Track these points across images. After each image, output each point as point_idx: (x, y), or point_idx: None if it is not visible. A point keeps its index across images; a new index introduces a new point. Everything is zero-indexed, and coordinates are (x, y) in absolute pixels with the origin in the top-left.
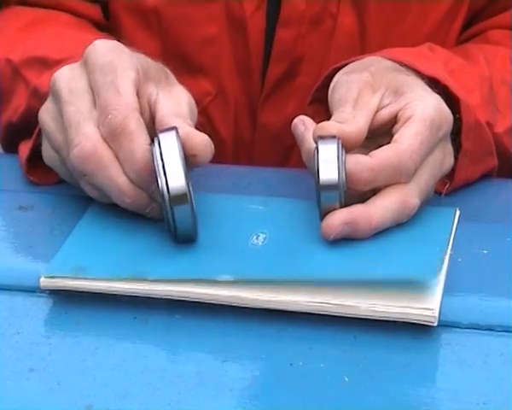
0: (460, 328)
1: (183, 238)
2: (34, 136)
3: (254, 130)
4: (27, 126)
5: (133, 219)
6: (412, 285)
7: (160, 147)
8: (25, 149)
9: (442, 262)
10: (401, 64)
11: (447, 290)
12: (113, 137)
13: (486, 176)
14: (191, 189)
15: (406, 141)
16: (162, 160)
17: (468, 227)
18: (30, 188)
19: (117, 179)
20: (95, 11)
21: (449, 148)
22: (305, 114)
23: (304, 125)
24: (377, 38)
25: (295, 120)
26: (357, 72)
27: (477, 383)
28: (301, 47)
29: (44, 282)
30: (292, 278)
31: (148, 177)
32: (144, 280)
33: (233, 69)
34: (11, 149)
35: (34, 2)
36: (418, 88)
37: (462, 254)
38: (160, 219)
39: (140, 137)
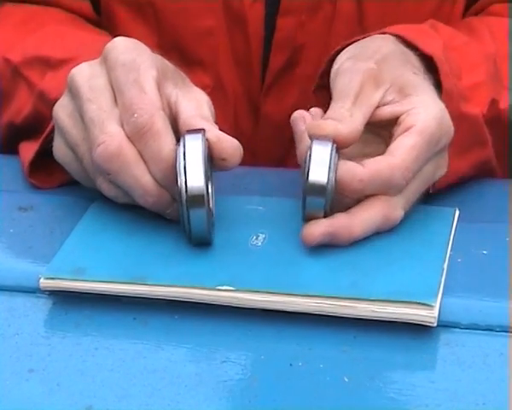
0: (459, 328)
1: (197, 241)
2: (41, 139)
3: (255, 122)
4: (31, 129)
5: (133, 219)
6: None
7: (184, 147)
8: (27, 151)
9: (441, 277)
10: (403, 39)
11: (447, 290)
12: (138, 136)
13: (482, 174)
14: (213, 193)
15: (401, 155)
16: (184, 160)
17: (467, 227)
18: (30, 188)
19: (141, 179)
20: (84, 6)
21: (444, 158)
22: (308, 103)
23: (305, 124)
24: (376, 22)
25: (295, 115)
26: (362, 59)
27: (476, 384)
28: (301, 35)
29: (44, 283)
30: (291, 291)
31: (174, 176)
32: (143, 284)
33: (231, 61)
34: (10, 149)
35: None
36: (424, 92)
37: (461, 255)
38: (164, 221)
39: (167, 137)
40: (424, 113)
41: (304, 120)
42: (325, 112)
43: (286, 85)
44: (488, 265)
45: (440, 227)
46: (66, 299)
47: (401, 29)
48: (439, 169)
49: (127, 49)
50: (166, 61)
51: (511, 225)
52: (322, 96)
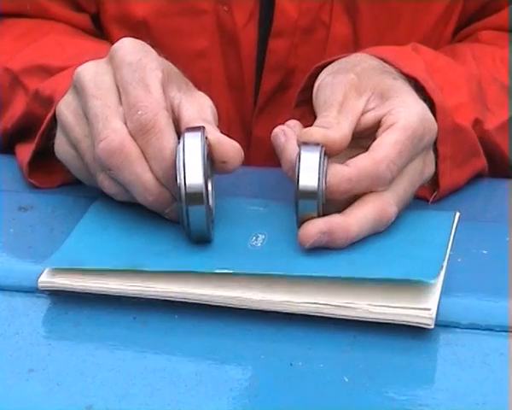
0: (459, 328)
1: (197, 238)
2: (37, 139)
3: (248, 144)
4: (22, 132)
5: (134, 218)
6: (412, 284)
7: (183, 144)
8: (24, 152)
9: (443, 263)
10: (385, 61)
11: (446, 290)
12: (142, 133)
13: (481, 176)
14: (213, 191)
15: (383, 150)
16: (184, 157)
17: (467, 227)
18: (30, 188)
19: (142, 176)
20: (84, 20)
21: (430, 156)
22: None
23: (284, 136)
24: (371, 45)
25: (275, 130)
26: (342, 72)
27: (476, 383)
28: (294, 58)
29: (42, 283)
30: (290, 273)
31: (174, 175)
32: (141, 271)
33: (225, 83)
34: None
35: (25, 13)
36: (404, 94)
37: (461, 255)
38: (164, 220)
39: (169, 136)
40: (405, 111)
41: (283, 132)
42: (306, 127)
43: (278, 108)
44: (488, 265)
45: (440, 229)
46: (65, 299)
47: (383, 51)
48: (427, 166)
49: (134, 50)
50: (171, 65)
51: (511, 225)
52: (303, 111)
